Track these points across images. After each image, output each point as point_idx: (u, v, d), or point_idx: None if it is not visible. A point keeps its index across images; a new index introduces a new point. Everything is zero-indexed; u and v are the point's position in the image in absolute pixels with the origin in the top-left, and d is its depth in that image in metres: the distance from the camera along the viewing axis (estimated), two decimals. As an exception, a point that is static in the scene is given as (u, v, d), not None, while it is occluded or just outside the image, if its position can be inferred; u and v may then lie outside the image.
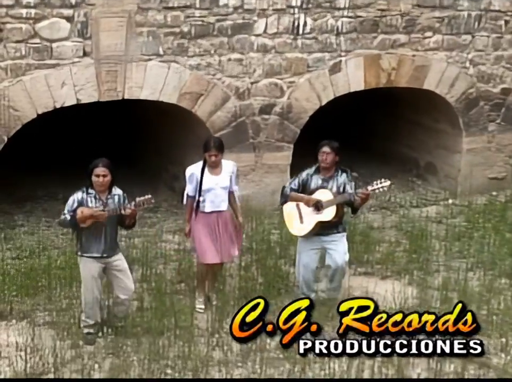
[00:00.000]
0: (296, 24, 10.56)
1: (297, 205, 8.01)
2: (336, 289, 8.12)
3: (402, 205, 11.41)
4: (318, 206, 7.85)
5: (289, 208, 8.08)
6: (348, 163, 8.52)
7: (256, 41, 10.48)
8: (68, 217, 7.27)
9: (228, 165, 8.16)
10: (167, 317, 7.80)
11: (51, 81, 9.72)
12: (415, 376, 7.10)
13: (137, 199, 7.28)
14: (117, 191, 7.43)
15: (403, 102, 12.02)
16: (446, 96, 11.47)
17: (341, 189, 7.91)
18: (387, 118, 12.54)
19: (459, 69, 11.47)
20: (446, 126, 11.86)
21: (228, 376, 7.08)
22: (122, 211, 7.24)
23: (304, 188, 7.98)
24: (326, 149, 7.91)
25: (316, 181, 7.96)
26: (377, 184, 7.81)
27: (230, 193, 8.17)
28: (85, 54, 9.77)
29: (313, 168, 8.01)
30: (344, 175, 7.98)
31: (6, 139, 9.74)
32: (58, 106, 9.85)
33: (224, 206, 8.11)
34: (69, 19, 9.63)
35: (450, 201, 11.58)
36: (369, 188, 7.82)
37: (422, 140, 12.20)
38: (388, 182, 7.83)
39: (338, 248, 8.01)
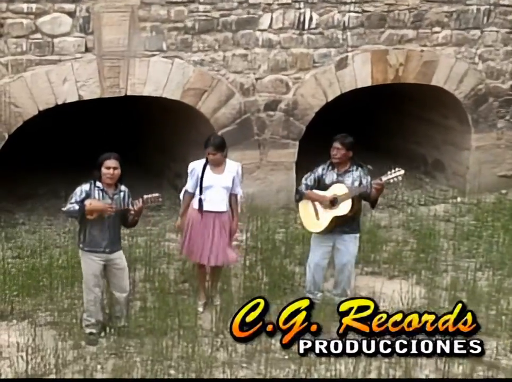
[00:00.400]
0: (302, 18, 10.45)
1: (313, 201, 7.92)
2: (343, 295, 7.98)
3: (410, 203, 11.32)
4: (333, 201, 7.75)
5: (305, 205, 7.98)
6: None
7: (261, 36, 10.39)
8: (77, 207, 7.23)
9: (232, 165, 7.99)
10: (170, 317, 7.73)
11: (52, 77, 9.63)
12: (422, 378, 7.01)
13: (145, 196, 7.30)
14: (122, 187, 7.43)
15: (411, 98, 11.92)
16: (454, 93, 11.37)
17: (357, 184, 7.81)
18: (395, 114, 12.44)
19: (468, 64, 11.36)
20: (455, 123, 11.77)
21: (233, 377, 7.01)
22: (130, 206, 7.25)
23: (320, 183, 7.91)
24: (336, 144, 7.84)
25: (331, 176, 7.88)
26: (390, 174, 7.72)
27: (232, 196, 8.01)
28: (87, 49, 9.67)
29: (328, 163, 7.92)
30: (360, 169, 7.89)
31: (6, 136, 9.67)
32: (59, 102, 9.77)
33: (223, 206, 7.91)
34: (71, 14, 9.54)
35: (459, 199, 11.50)
36: (383, 178, 7.72)
37: (430, 137, 12.11)
38: (402, 171, 7.72)
39: (348, 248, 7.94)
